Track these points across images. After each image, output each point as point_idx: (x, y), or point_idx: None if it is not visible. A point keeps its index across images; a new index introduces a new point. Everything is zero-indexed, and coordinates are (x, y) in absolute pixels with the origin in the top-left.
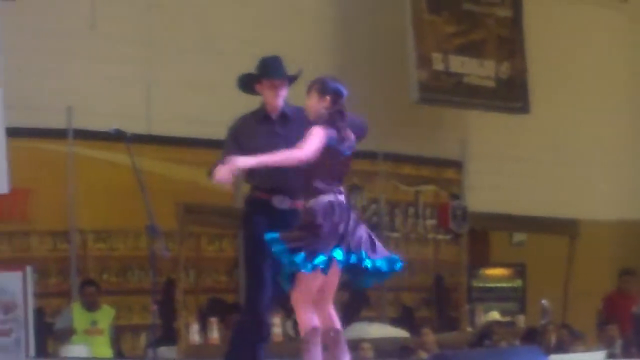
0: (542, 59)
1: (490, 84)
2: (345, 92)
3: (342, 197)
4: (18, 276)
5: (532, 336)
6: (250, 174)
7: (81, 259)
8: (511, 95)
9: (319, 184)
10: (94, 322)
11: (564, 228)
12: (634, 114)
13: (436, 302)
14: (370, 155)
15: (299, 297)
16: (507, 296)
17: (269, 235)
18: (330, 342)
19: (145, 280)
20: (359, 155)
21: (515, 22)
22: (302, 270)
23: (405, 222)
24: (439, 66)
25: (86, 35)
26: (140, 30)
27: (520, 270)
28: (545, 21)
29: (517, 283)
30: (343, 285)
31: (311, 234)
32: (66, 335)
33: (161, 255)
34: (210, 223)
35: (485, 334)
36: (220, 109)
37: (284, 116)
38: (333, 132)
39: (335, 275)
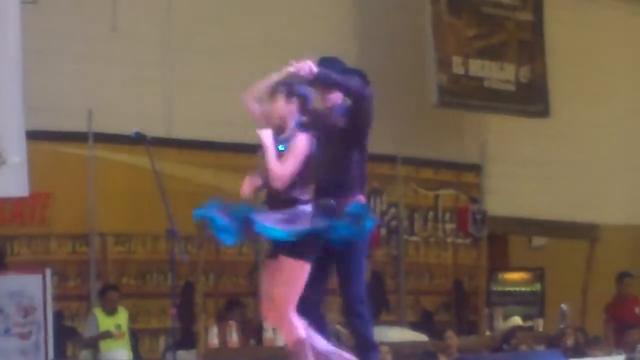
0: (562, 62)
1: (511, 87)
2: (311, 95)
3: None
4: (38, 279)
5: (552, 340)
6: None
7: (100, 262)
8: (531, 99)
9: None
10: (117, 326)
11: (584, 232)
12: None
13: (455, 306)
14: (390, 159)
15: (289, 297)
16: (526, 300)
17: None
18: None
19: (164, 283)
20: (378, 158)
21: (536, 26)
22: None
23: (424, 226)
24: (458, 70)
25: (107, 37)
26: (162, 32)
27: (539, 275)
28: (565, 25)
29: (536, 287)
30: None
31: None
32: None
33: (180, 259)
34: None
35: (506, 339)
36: (241, 111)
37: None
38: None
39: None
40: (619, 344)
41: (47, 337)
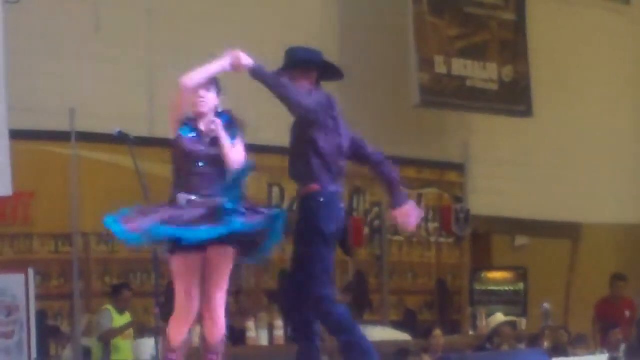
0: (545, 62)
1: (493, 87)
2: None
3: None
4: (20, 278)
5: (534, 339)
6: None
7: (83, 262)
8: (514, 98)
9: None
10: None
11: (567, 232)
12: (636, 118)
13: (439, 306)
14: None
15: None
16: (509, 299)
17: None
18: None
19: (148, 282)
20: None
21: (519, 26)
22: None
23: None
24: (441, 69)
25: (90, 37)
26: (144, 32)
27: (522, 274)
28: (548, 25)
29: (519, 286)
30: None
31: None
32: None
33: (163, 258)
34: None
35: (489, 338)
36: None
37: None
38: None
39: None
40: (604, 344)
41: (30, 337)
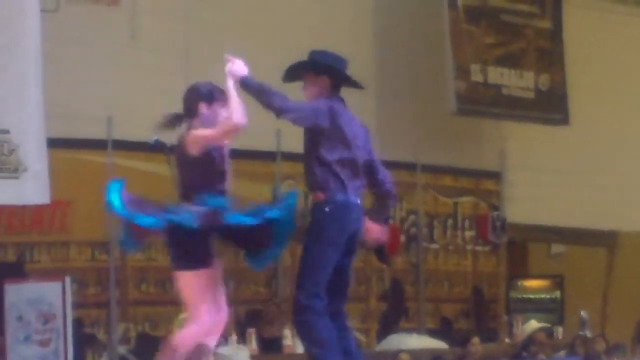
0: (581, 70)
1: (530, 95)
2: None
3: None
4: (57, 286)
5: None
6: None
7: (120, 270)
8: (550, 106)
9: None
10: None
11: (603, 239)
12: None
13: (475, 314)
14: (409, 167)
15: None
16: (545, 307)
17: None
18: None
19: None
20: (397, 166)
21: (555, 34)
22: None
23: (444, 234)
24: (477, 77)
25: (126, 45)
26: (180, 40)
27: (558, 282)
28: (585, 32)
29: (556, 294)
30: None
31: None
32: None
33: None
34: None
35: (525, 346)
36: (260, 119)
37: None
38: None
39: None
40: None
41: (66, 345)
